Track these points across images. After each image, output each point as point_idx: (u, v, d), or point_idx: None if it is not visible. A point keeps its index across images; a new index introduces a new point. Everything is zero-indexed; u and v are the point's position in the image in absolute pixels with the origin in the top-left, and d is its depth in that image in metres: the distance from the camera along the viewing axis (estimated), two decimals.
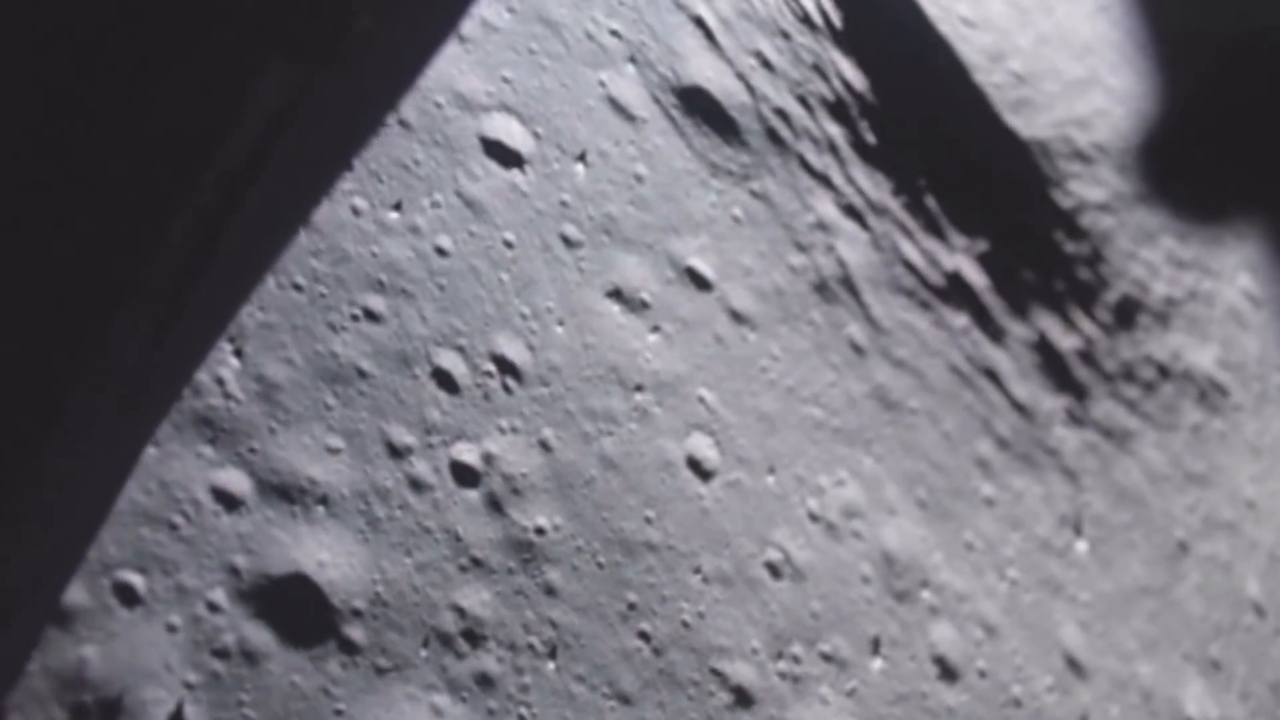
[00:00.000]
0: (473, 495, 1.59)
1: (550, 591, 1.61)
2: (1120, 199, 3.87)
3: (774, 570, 1.89)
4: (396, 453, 1.53)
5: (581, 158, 1.94)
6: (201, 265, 0.99)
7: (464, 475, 1.59)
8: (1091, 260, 3.49)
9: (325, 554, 1.42)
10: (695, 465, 1.86)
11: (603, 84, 2.05)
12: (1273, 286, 4.40)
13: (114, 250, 0.89)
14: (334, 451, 1.48)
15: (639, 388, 1.84)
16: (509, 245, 1.78)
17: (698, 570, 1.79)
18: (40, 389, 0.92)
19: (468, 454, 1.60)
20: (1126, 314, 3.43)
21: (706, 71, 2.30)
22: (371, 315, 1.59)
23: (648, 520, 1.76)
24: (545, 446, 1.69)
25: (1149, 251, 3.80)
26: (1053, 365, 2.89)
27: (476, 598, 1.53)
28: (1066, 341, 3.03)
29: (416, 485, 1.53)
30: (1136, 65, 4.49)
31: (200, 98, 0.85)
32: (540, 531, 1.63)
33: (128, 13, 0.81)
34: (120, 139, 0.85)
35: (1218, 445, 3.42)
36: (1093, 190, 3.78)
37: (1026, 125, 3.78)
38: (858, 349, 2.26)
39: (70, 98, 0.82)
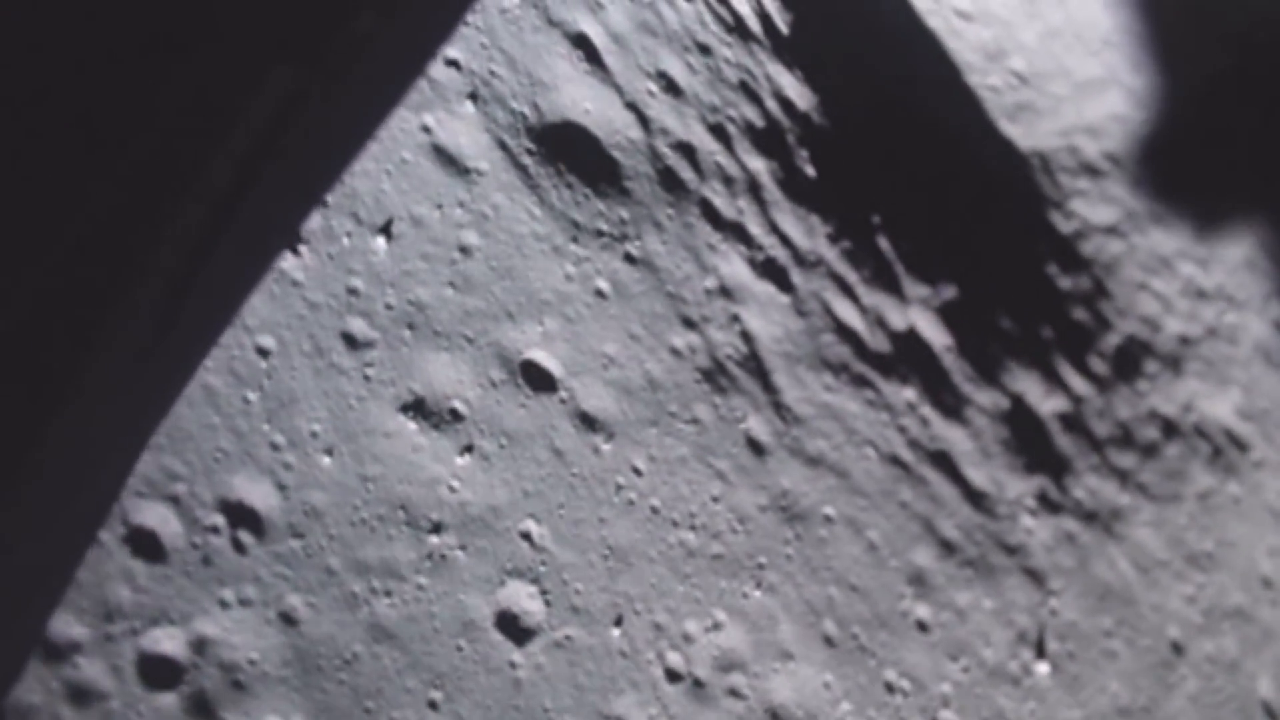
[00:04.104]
0: (168, 699, 1.22)
1: None
2: (1132, 220, 3.38)
3: None
4: (55, 653, 1.17)
5: (385, 229, 1.55)
6: (205, 260, 1.01)
7: (158, 673, 1.22)
8: (1091, 297, 3.02)
9: None
10: (509, 624, 1.48)
11: (427, 129, 1.65)
12: None
13: (116, 247, 0.90)
14: None
15: (436, 528, 1.46)
16: (263, 354, 1.40)
17: None
18: (40, 379, 0.93)
19: (168, 642, 1.24)
20: (1129, 361, 2.97)
21: (583, 103, 1.89)
22: None
23: (432, 705, 1.39)
24: (289, 620, 1.32)
25: (1163, 281, 3.32)
26: (1026, 438, 2.46)
27: None
28: (1048, 405, 2.59)
29: (80, 696, 1.17)
30: (1162, 61, 3.95)
31: (204, 96, 0.87)
32: None
33: (135, 12, 0.84)
34: (130, 134, 0.86)
35: (1230, 514, 2.96)
36: (1100, 210, 3.30)
37: (1026, 134, 3.30)
38: (757, 448, 1.85)
39: (82, 94, 0.84)
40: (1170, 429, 2.94)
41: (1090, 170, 3.40)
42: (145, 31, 0.85)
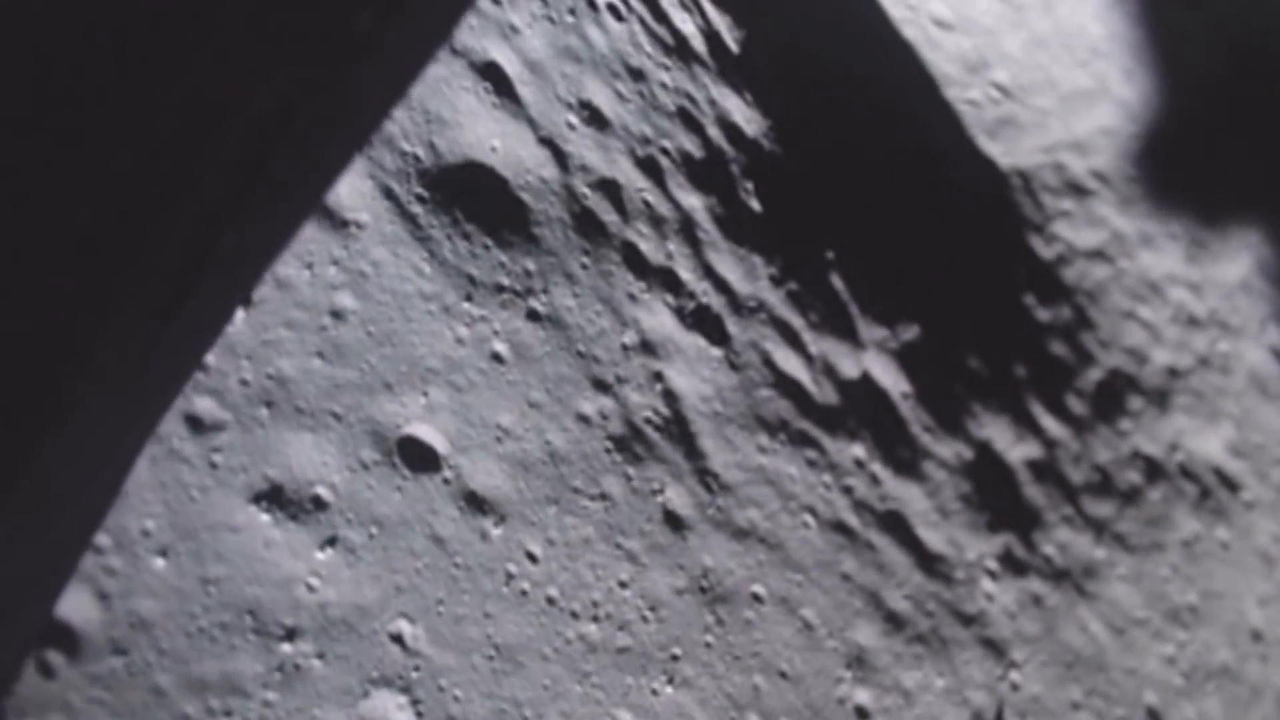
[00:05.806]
0: None
1: None
2: (1120, 242, 3.20)
3: None
4: None
5: (242, 300, 1.39)
6: (205, 259, 1.00)
7: None
8: (1071, 328, 2.84)
9: None
10: None
11: None
12: None
13: (115, 245, 0.89)
14: None
15: (290, 635, 1.30)
16: None
17: None
18: (40, 385, 0.91)
19: None
20: (1111, 398, 2.79)
21: (490, 141, 1.72)
22: None
23: None
24: None
25: (1151, 309, 3.13)
26: (990, 491, 2.28)
27: None
28: (1017, 452, 2.42)
29: None
30: (1155, 71, 3.75)
31: (205, 95, 0.86)
32: None
33: (135, 14, 0.82)
34: (130, 134, 0.85)
35: (1217, 562, 2.78)
36: (1085, 233, 3.12)
37: (1007, 152, 3.11)
38: (676, 523, 1.69)
39: (84, 96, 0.83)
40: (1154, 471, 2.77)
41: (1076, 189, 3.22)
42: (140, 33, 0.83)
